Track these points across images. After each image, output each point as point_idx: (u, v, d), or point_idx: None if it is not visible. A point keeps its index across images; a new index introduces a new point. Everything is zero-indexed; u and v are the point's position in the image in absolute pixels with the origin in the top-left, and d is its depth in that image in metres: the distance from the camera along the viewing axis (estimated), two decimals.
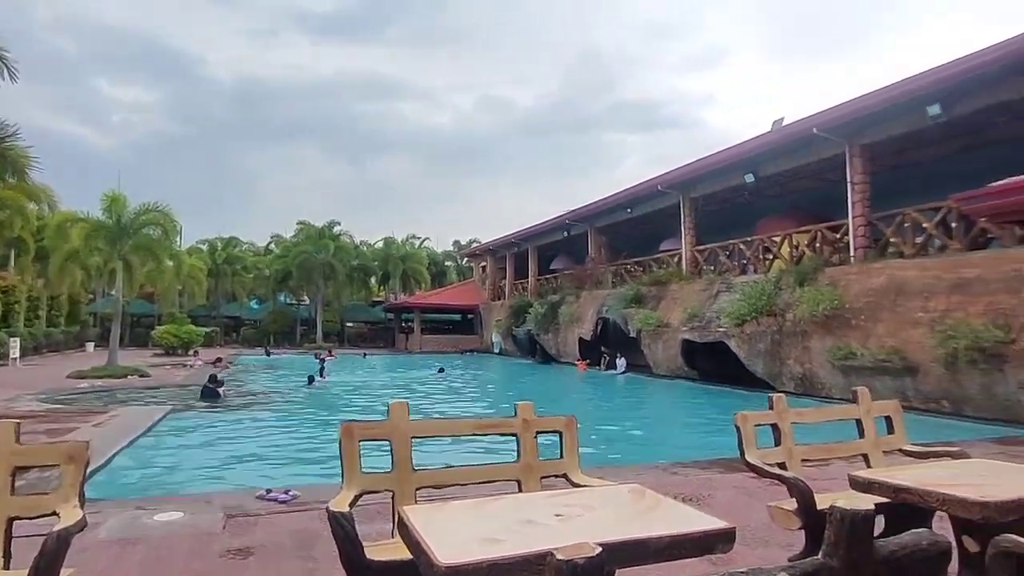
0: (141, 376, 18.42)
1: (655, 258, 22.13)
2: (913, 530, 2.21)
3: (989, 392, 10.18)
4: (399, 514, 2.02)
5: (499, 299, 35.88)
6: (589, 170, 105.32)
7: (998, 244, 11.18)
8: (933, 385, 11.04)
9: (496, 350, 34.07)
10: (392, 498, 2.73)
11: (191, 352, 30.38)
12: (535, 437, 3.04)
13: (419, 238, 52.35)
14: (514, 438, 3.03)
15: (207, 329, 38.01)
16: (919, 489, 2.55)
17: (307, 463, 8.24)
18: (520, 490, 2.93)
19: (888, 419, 4.04)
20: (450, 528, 1.90)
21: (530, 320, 27.55)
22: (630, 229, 25.35)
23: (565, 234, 27.55)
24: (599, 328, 23.12)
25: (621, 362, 21.60)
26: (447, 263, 57.16)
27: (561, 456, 3.10)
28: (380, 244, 49.95)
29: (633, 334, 20.04)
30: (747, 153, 16.58)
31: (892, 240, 13.42)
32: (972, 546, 2.61)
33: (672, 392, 17.08)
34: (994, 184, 5.96)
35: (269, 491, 5.10)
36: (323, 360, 22.05)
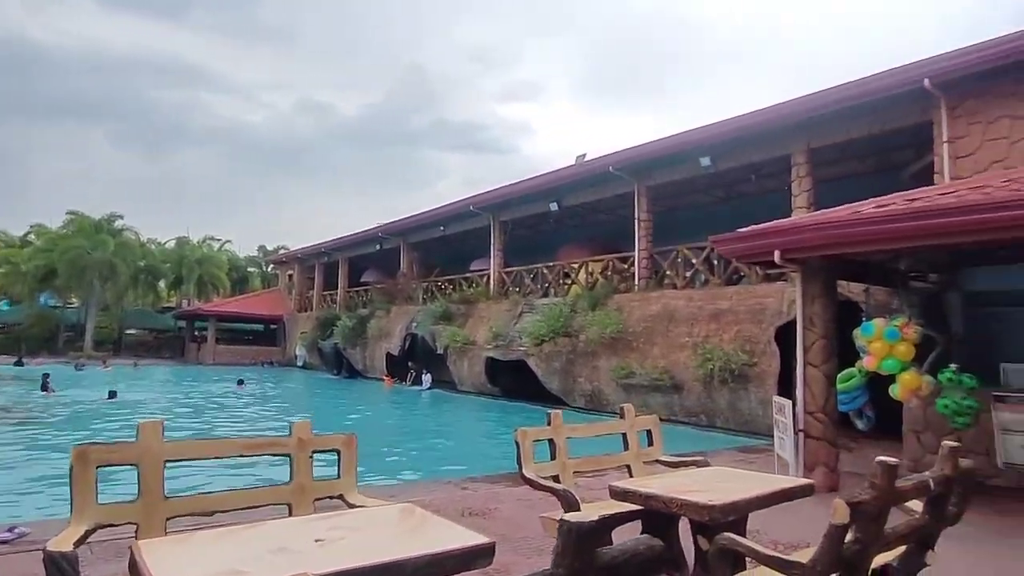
0: None
1: (465, 277, 22.58)
2: (637, 536, 2.44)
3: (735, 407, 11.81)
4: (131, 549, 1.78)
5: (306, 310, 34.13)
6: (409, 184, 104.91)
7: (747, 281, 13.07)
8: (694, 401, 12.54)
9: (300, 363, 32.31)
10: (136, 531, 2.41)
11: None
12: (311, 457, 2.88)
13: (219, 240, 48.18)
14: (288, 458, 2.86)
15: None
16: (663, 496, 2.84)
17: (48, 494, 7.02)
18: (291, 514, 2.75)
19: (649, 432, 4.47)
20: (190, 562, 1.71)
21: (338, 333, 26.56)
22: (443, 246, 25.64)
23: (378, 247, 27.09)
24: (407, 343, 22.97)
25: (427, 378, 21.63)
26: (250, 269, 53.15)
27: (339, 476, 2.97)
28: (172, 244, 45.10)
29: (440, 350, 20.20)
30: (553, 183, 17.68)
31: (668, 273, 15.10)
32: (704, 544, 2.95)
33: (474, 408, 17.45)
34: (740, 230, 6.97)
35: None
36: (47, 376, 18.64)
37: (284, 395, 22.06)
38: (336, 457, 2.98)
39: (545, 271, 19.02)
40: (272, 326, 38.02)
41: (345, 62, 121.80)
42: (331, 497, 2.91)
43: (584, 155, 17.75)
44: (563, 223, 20.24)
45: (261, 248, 55.30)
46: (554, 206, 17.74)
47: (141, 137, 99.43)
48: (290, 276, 38.48)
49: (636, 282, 15.57)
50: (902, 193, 7.07)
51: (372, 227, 27.04)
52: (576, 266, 18.02)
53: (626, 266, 16.42)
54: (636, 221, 15.67)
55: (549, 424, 3.96)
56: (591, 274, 17.41)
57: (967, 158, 9.37)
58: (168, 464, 2.54)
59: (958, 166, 9.45)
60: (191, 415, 14.79)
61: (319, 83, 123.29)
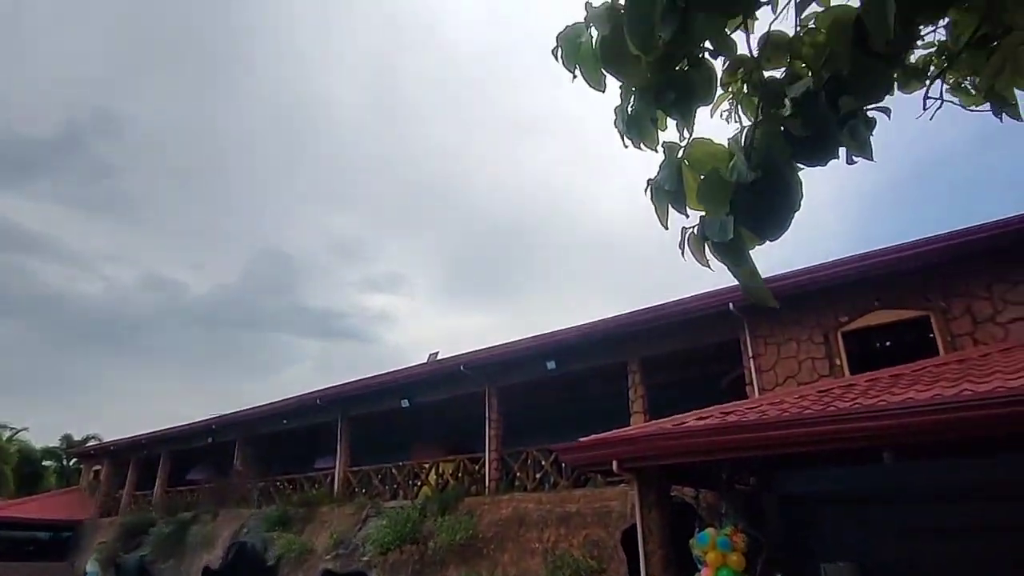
0: None
1: (308, 476, 20.90)
2: None
3: None
4: None
5: (112, 514, 29.23)
6: (258, 369, 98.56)
7: (593, 483, 13.33)
8: None
9: None
10: None
11: None
12: None
13: (12, 428, 41.36)
14: None
15: None
16: None
17: None
18: None
19: None
20: None
21: (149, 542, 22.74)
22: (285, 442, 23.89)
23: (209, 440, 24.62)
24: (231, 554, 20.10)
25: None
26: (47, 463, 45.48)
27: None
28: None
29: (272, 562, 17.84)
30: (405, 379, 17.65)
31: (518, 474, 15.05)
32: None
33: None
34: (582, 440, 7.31)
35: None
36: None
37: None
38: None
39: (394, 471, 18.16)
40: (64, 534, 31.79)
41: (200, 241, 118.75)
42: None
43: (436, 353, 18.16)
44: (416, 421, 19.91)
45: (65, 438, 48.03)
46: (406, 403, 17.54)
47: None
48: (96, 473, 33.33)
49: (487, 484, 15.28)
50: (719, 407, 7.90)
51: (205, 419, 24.77)
52: (427, 466, 17.44)
53: (477, 467, 16.18)
54: (487, 421, 15.82)
55: None
56: (441, 475, 16.88)
57: (768, 372, 10.79)
58: None
59: (762, 378, 10.82)
60: None
61: (169, 259, 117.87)
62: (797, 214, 1.68)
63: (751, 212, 1.50)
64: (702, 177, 1.66)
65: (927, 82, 2.35)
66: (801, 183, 1.51)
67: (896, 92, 2.05)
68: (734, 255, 1.57)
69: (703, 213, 1.83)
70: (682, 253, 1.70)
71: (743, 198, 1.50)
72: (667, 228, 2.05)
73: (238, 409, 23.29)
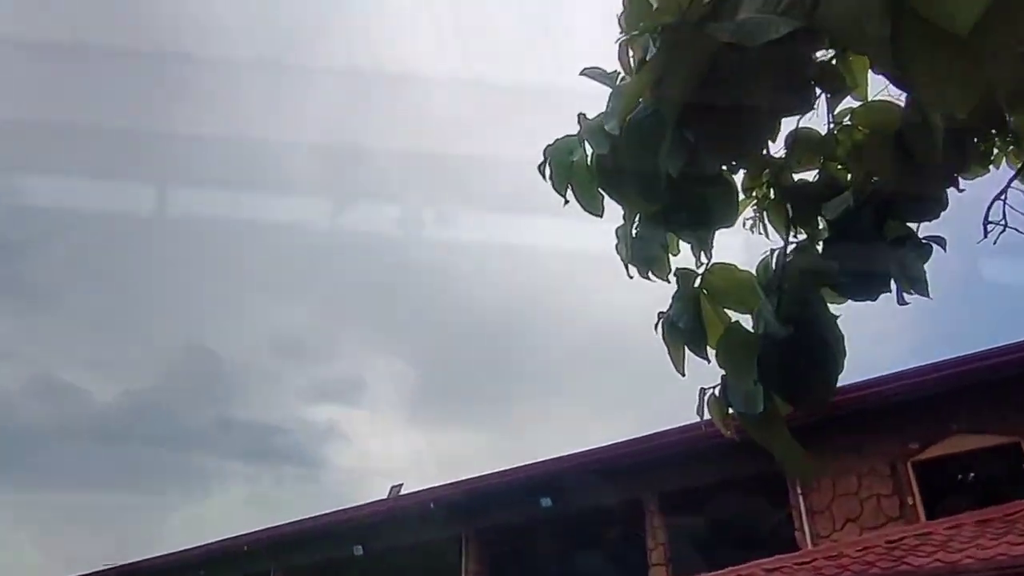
0: None
1: None
2: None
3: None
4: None
5: None
6: (173, 502, 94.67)
7: None
8: None
9: None
10: None
11: None
12: None
13: None
14: None
15: None
16: None
17: None
18: None
19: None
20: None
21: None
22: None
23: None
24: None
25: None
26: None
27: None
28: None
29: None
30: (359, 520, 17.12)
31: None
32: None
33: None
34: None
35: None
36: None
37: None
38: None
39: None
40: None
41: (106, 334, 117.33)
42: None
43: (400, 486, 17.73)
44: (373, 573, 19.17)
45: None
46: (359, 551, 16.97)
47: None
48: None
49: None
50: (761, 562, 7.72)
51: (91, 572, 23.66)
52: None
53: None
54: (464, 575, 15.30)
55: None
56: None
57: (823, 513, 10.62)
58: None
59: (815, 522, 10.64)
60: None
61: (68, 359, 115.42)
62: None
63: (783, 376, 1.53)
64: (726, 325, 1.70)
65: (992, 168, 2.46)
66: (843, 338, 1.55)
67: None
68: (765, 427, 1.58)
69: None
70: (700, 418, 1.70)
71: (772, 358, 1.52)
72: (684, 375, 2.05)
73: (137, 559, 22.29)
